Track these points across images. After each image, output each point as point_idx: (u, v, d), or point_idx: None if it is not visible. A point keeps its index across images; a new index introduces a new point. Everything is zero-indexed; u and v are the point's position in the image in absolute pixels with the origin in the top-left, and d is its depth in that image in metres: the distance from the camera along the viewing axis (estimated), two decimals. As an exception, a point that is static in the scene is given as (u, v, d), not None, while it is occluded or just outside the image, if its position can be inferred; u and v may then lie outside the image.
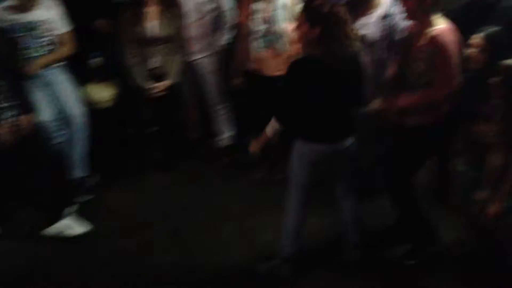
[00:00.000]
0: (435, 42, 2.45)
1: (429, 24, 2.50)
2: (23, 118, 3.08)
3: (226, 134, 3.98)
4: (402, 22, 2.85)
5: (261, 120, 3.49)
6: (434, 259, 2.83)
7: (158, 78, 3.59)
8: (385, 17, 2.94)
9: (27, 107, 3.14)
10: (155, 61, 3.58)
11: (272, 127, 2.52)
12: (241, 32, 3.41)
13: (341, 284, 2.75)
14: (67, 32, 3.42)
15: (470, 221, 2.71)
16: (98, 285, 2.80)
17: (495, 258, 2.48)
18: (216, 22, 3.68)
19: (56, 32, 3.37)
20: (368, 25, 2.95)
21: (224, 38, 3.71)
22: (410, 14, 2.56)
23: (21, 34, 3.26)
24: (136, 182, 3.71)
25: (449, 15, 2.65)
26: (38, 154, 3.14)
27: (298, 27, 2.42)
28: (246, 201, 3.49)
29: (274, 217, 3.22)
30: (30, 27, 3.28)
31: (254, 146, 2.63)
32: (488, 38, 2.49)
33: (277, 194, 3.46)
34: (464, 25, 2.69)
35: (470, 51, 2.56)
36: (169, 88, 3.61)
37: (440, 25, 2.51)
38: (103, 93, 3.64)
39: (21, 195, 3.22)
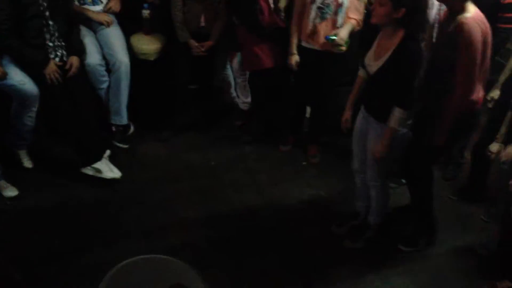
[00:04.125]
0: (461, 30, 2.48)
1: (461, 9, 2.52)
2: (72, 59, 3.37)
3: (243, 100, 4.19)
4: None
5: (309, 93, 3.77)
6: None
7: (203, 37, 3.79)
8: None
9: (76, 49, 3.43)
10: (202, 21, 3.77)
11: (398, 119, 2.61)
12: (299, 2, 3.45)
13: (332, 262, 2.98)
14: None
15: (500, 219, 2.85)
16: (123, 227, 3.11)
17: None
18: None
19: None
20: (431, 6, 2.96)
21: None
22: None
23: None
24: (170, 136, 3.98)
25: None
26: (82, 95, 3.42)
27: (378, 6, 2.50)
28: (274, 170, 3.74)
29: (298, 188, 3.53)
30: None
31: (378, 152, 2.71)
32: None
33: (303, 167, 3.80)
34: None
35: None
36: (210, 49, 3.80)
37: (470, 12, 2.52)
38: (149, 45, 3.87)
39: (60, 134, 3.52)
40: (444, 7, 2.82)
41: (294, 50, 3.52)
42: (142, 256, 1.12)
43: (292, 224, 3.23)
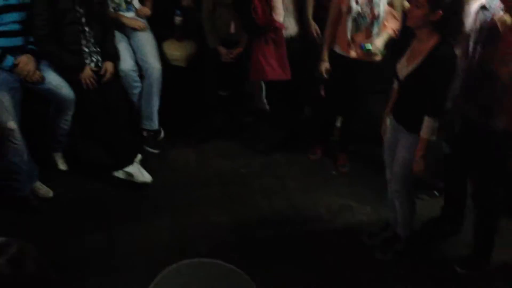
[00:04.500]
0: None
1: None
2: (106, 65, 3.47)
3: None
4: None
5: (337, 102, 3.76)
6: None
7: (233, 44, 3.84)
8: (483, 8, 2.82)
9: (111, 55, 3.52)
10: (232, 27, 3.81)
11: (430, 128, 2.57)
12: (335, 11, 3.44)
13: (362, 272, 2.96)
14: None
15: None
16: (153, 231, 3.16)
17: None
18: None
19: None
20: (468, 14, 2.87)
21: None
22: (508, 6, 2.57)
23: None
24: (199, 143, 4.03)
25: None
26: (115, 100, 3.52)
27: (415, 7, 2.49)
28: (303, 178, 3.76)
29: (328, 197, 3.54)
30: None
31: (419, 166, 2.67)
32: None
33: (333, 176, 3.80)
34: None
35: None
36: (239, 56, 3.84)
37: None
38: (181, 51, 3.95)
39: (94, 137, 3.61)
40: (482, 17, 2.79)
41: (325, 57, 3.53)
42: (199, 260, 1.12)
43: (321, 233, 3.23)
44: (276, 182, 3.67)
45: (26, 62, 3.16)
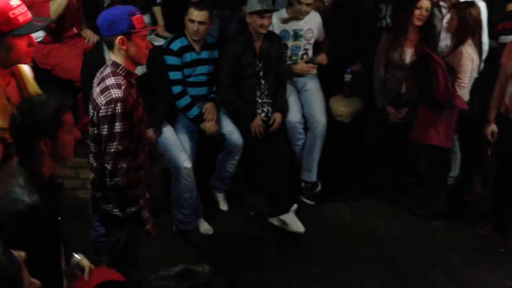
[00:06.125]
0: None
1: None
2: (275, 115, 3.70)
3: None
4: None
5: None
6: None
7: (403, 104, 3.80)
8: None
9: (281, 107, 3.75)
10: (403, 88, 3.80)
11: None
12: (503, 72, 3.37)
13: None
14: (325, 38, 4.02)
15: None
16: (302, 282, 3.16)
17: None
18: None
19: (316, 39, 3.97)
20: None
21: None
22: None
23: (288, 40, 3.89)
24: (355, 200, 4.01)
25: None
26: (279, 150, 3.71)
27: None
28: (466, 251, 3.49)
29: (494, 277, 3.23)
30: (296, 35, 3.89)
31: None
32: None
33: (502, 255, 3.46)
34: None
35: None
36: (406, 117, 3.79)
37: None
38: (346, 107, 4.04)
39: (255, 183, 3.82)
40: None
41: (492, 119, 3.44)
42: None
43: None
44: (435, 252, 3.46)
45: (211, 109, 3.53)
